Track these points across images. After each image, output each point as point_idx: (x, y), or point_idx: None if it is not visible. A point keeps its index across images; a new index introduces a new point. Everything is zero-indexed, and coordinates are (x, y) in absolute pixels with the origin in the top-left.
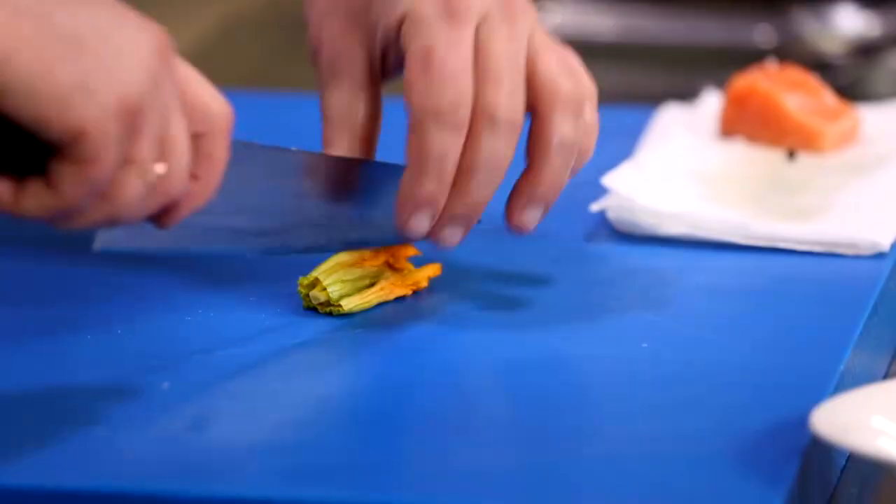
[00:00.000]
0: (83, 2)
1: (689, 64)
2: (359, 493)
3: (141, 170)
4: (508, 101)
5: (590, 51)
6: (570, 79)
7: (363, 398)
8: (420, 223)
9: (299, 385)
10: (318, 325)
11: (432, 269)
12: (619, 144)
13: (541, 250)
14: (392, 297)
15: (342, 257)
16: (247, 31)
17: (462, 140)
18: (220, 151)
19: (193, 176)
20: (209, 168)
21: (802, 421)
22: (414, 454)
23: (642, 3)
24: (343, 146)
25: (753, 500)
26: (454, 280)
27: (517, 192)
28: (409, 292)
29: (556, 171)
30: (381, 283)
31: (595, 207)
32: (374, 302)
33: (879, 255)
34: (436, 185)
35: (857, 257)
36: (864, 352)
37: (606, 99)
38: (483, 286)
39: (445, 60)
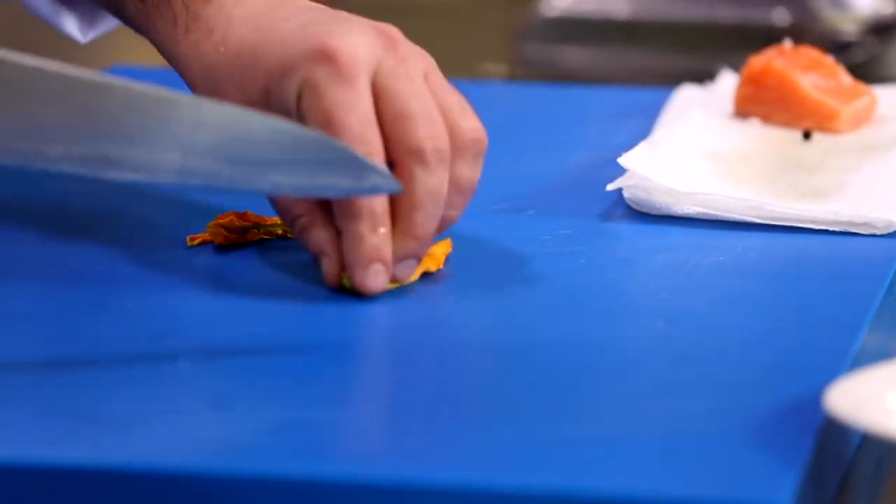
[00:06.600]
0: None
1: (704, 44)
2: (379, 469)
3: None
4: (427, 132)
5: (605, 30)
6: (471, 120)
7: (384, 376)
8: (376, 278)
9: (322, 363)
10: (344, 305)
11: (445, 246)
12: (635, 125)
13: (556, 229)
14: (417, 275)
15: None
16: None
17: None
18: None
19: None
20: None
21: (817, 400)
22: (427, 430)
23: None
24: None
25: (768, 478)
26: (469, 259)
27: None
28: (434, 269)
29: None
30: None
31: (611, 187)
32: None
33: (895, 234)
34: (376, 238)
35: (872, 236)
36: (879, 330)
37: (622, 79)
38: (498, 265)
39: (345, 121)
